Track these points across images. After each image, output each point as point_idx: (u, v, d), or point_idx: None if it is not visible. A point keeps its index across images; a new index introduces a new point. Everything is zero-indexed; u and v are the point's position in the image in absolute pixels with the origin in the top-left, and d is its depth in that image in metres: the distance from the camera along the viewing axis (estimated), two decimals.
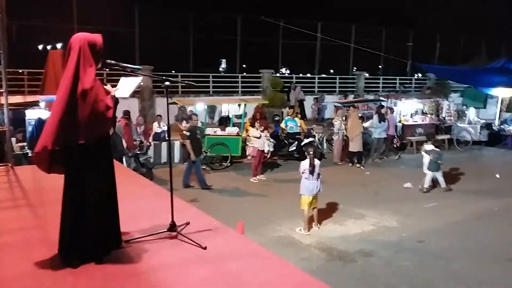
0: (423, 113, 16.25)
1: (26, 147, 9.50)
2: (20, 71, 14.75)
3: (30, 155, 8.95)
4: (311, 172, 7.27)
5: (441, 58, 27.29)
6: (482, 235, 7.36)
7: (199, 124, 13.06)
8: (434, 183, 10.11)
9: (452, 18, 25.55)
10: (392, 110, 14.53)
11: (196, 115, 10.85)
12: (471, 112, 16.83)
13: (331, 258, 6.47)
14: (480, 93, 16.95)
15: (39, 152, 2.74)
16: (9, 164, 5.57)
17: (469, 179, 11.10)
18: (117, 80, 3.19)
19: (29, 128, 9.68)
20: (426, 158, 10.02)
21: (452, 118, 16.69)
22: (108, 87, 2.96)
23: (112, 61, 3.03)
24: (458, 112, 17.09)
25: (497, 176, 11.36)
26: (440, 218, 8.20)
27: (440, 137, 15.48)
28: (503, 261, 6.34)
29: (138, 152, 10.54)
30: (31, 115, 9.96)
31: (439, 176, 10.08)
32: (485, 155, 15.05)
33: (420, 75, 27.38)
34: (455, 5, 24.94)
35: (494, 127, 16.45)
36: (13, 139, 8.99)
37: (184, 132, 10.03)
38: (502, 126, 16.47)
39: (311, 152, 7.36)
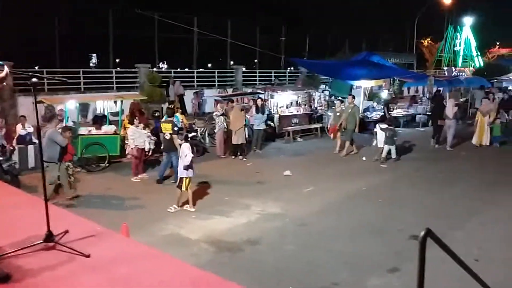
0: (298, 104, 17.22)
1: None
2: None
3: None
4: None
5: (310, 52, 29.21)
6: (356, 212, 8.09)
7: (71, 124, 12.17)
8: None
9: (320, 15, 27.49)
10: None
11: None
12: (338, 102, 18.28)
13: (219, 250, 6.53)
14: (345, 84, 18.50)
15: None
16: None
17: (340, 163, 12.10)
18: None
19: None
20: (381, 135, 12.19)
21: (323, 107, 17.98)
22: None
23: None
24: (328, 102, 18.45)
25: (364, 159, 12.55)
26: (318, 200, 8.79)
27: (313, 126, 16.63)
28: (378, 235, 7.03)
29: (0, 158, 9.41)
30: None
31: (393, 149, 12.12)
32: (354, 141, 16.47)
33: (292, 68, 28.97)
34: (322, 3, 26.87)
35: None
36: None
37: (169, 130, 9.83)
38: (365, 113, 18.18)
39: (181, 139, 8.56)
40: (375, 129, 12.93)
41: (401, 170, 11.40)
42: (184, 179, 8.07)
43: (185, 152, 8.05)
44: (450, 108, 13.97)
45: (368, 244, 6.73)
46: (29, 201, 4.21)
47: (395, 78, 21.76)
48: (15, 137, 11.23)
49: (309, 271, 5.85)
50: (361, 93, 18.36)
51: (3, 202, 4.05)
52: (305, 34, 29.49)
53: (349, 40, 29.77)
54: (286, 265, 6.01)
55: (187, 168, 8.02)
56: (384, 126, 12.32)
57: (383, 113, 17.05)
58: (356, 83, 17.95)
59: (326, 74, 20.62)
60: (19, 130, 11.38)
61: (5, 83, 2.84)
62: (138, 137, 10.42)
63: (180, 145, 8.68)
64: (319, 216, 7.94)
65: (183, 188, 8.10)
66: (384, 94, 20.18)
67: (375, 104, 19.06)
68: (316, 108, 17.86)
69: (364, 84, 17.92)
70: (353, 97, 13.78)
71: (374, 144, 12.88)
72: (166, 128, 9.77)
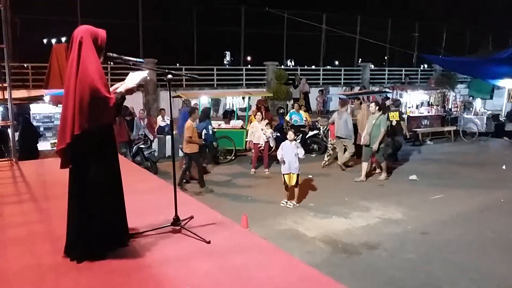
0: (429, 105, 16.17)
1: None
2: (25, 65, 14.78)
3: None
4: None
5: (447, 49, 27.02)
6: (487, 227, 7.31)
7: None
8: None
9: (458, 9, 25.32)
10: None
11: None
12: (478, 103, 16.71)
13: (335, 251, 6.46)
14: (487, 84, 16.80)
15: (60, 147, 2.77)
16: (13, 159, 5.57)
17: (475, 171, 11.04)
18: (121, 74, 3.17)
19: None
20: None
21: (458, 109, 16.61)
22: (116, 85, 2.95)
23: (114, 54, 3.00)
24: (465, 103, 17.00)
25: (504, 167, 11.28)
26: (445, 210, 8.15)
27: (446, 128, 15.47)
28: (508, 254, 6.31)
29: (142, 146, 10.54)
30: (36, 109, 9.99)
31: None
32: (491, 146, 14.93)
33: (426, 66, 27.18)
34: None
35: (501, 118, 16.33)
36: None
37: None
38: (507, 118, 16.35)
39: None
40: None
41: None
42: (298, 175, 8.27)
43: (300, 147, 8.27)
44: None
45: (498, 261, 6.05)
46: (162, 186, 4.66)
47: None
48: (156, 128, 12.45)
49: (428, 283, 5.48)
50: (505, 94, 16.51)
51: (140, 187, 4.54)
52: (441, 30, 27.36)
53: (492, 36, 26.82)
54: (404, 274, 5.71)
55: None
56: None
57: None
58: (499, 82, 16.17)
59: (463, 72, 18.92)
60: (159, 121, 12.61)
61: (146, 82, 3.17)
62: (255, 132, 10.85)
63: (295, 141, 8.64)
64: (444, 226, 7.37)
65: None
66: None
67: None
68: (450, 109, 16.56)
69: (508, 84, 16.08)
70: (377, 104, 10.46)
71: None
72: (394, 116, 11.44)
